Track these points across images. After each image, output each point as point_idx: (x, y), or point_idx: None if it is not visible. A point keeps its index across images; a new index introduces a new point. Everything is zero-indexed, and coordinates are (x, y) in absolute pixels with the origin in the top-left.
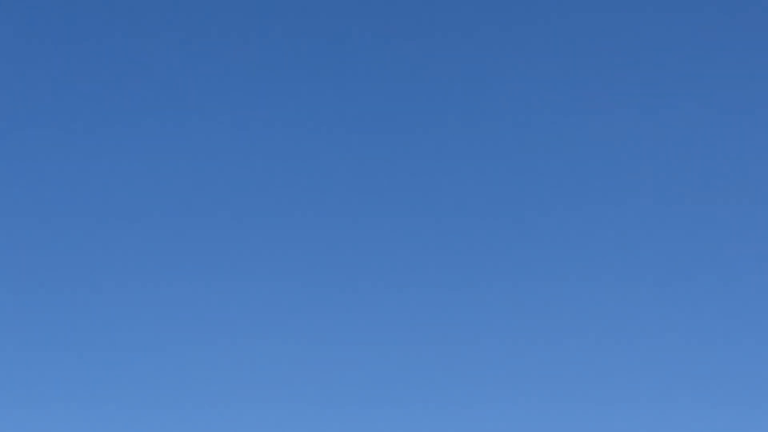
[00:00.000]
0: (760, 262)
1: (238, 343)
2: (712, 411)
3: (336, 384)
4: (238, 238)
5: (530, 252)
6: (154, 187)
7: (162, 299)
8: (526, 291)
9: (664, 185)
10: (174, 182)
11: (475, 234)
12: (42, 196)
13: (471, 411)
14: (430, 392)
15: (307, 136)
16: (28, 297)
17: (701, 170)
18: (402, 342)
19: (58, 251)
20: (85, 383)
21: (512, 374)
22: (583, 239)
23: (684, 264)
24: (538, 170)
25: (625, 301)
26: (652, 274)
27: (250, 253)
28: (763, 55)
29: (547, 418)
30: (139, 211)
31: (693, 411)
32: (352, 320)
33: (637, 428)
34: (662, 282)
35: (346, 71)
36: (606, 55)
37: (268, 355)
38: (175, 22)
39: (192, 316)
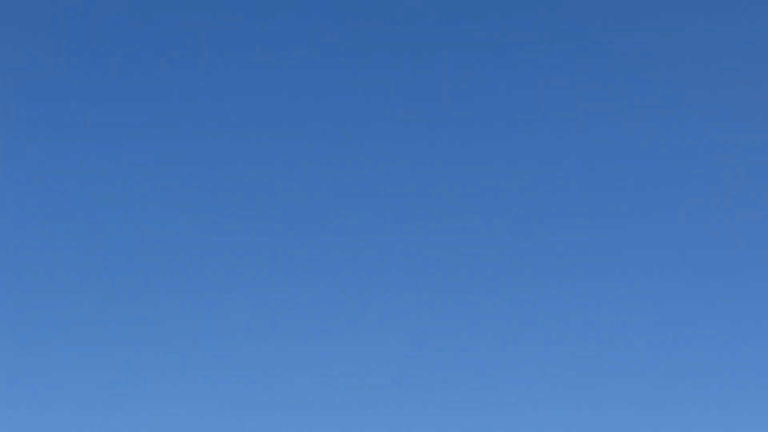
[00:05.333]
0: (759, 265)
1: (239, 346)
2: (711, 412)
3: (337, 386)
4: (240, 240)
5: (530, 254)
6: (159, 190)
7: (163, 301)
8: (525, 293)
9: (663, 189)
10: (179, 186)
11: (475, 237)
12: (44, 198)
13: (471, 412)
14: (431, 394)
15: (308, 139)
16: (31, 298)
17: (701, 173)
18: (402, 344)
19: (62, 254)
20: (85, 384)
21: (512, 375)
22: (582, 243)
23: (683, 266)
24: (538, 175)
25: (624, 304)
26: (651, 276)
27: (253, 256)
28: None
29: (547, 420)
30: (142, 214)
31: (691, 412)
32: (352, 322)
33: (637, 429)
34: (662, 284)
35: (347, 74)
36: (611, 59)
37: (269, 357)
38: (177, 25)
39: (193, 318)
